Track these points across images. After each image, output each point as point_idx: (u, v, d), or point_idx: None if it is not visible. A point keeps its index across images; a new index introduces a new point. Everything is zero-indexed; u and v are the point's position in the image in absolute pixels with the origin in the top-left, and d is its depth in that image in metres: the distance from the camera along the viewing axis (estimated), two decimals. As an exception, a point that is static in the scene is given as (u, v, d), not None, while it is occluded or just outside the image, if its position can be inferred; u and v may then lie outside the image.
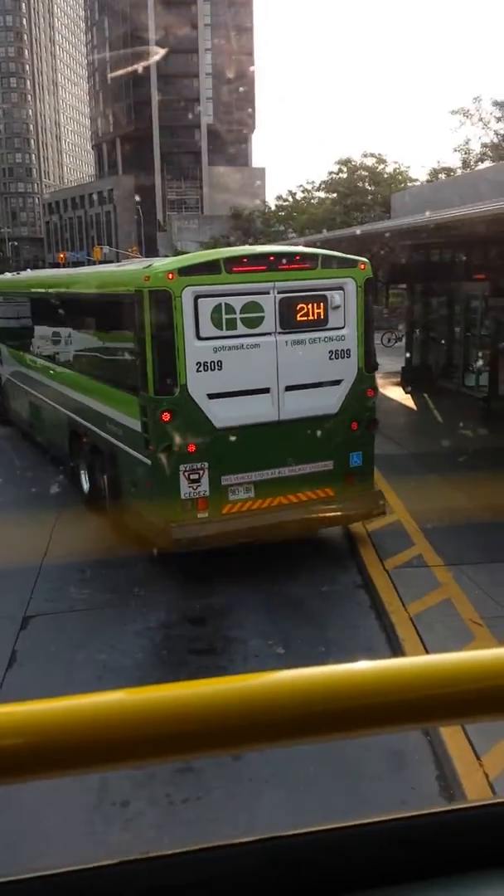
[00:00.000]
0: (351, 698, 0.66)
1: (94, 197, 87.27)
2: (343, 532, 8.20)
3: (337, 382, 7.40)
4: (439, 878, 0.79)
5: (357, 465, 7.53)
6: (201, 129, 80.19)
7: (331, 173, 42.33)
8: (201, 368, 6.68)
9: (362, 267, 7.45)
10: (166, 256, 41.10)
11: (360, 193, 39.39)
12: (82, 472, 9.24)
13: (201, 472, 6.78)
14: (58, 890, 0.75)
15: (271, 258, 7.21)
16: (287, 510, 7.17)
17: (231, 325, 6.78)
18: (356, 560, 7.59)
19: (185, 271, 6.59)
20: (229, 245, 44.87)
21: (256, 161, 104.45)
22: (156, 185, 79.08)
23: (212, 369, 6.72)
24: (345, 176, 41.47)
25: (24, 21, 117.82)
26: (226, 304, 6.73)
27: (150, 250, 61.11)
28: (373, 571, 7.20)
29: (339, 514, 7.52)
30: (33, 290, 11.80)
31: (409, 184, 39.15)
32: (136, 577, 7.16)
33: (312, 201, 45.92)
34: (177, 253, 49.48)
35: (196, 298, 6.58)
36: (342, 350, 7.37)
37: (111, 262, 52.20)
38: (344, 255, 7.68)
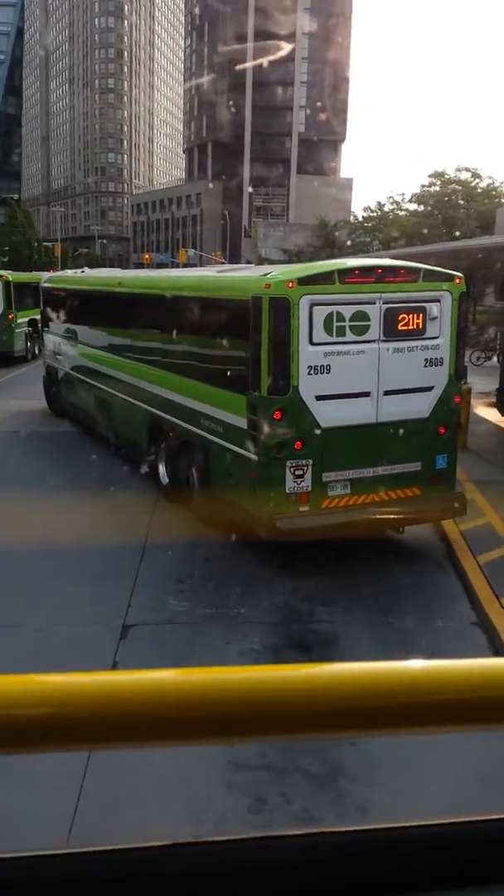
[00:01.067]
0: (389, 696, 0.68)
1: (182, 200, 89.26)
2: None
3: (429, 388, 7.85)
4: (444, 891, 0.79)
5: (442, 467, 7.97)
6: (292, 137, 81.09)
7: (423, 186, 42.24)
8: (312, 371, 7.21)
9: (458, 281, 7.91)
10: (249, 263, 41.79)
11: (452, 207, 39.23)
12: (161, 465, 9.84)
13: (306, 468, 7.31)
14: (52, 870, 0.76)
15: (379, 271, 7.71)
16: (378, 507, 7.64)
17: (341, 331, 7.30)
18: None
19: (303, 281, 7.14)
20: (313, 255, 45.31)
21: (344, 171, 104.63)
22: (243, 191, 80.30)
23: (321, 373, 7.25)
24: (437, 189, 41.31)
25: (126, 23, 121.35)
26: (337, 312, 7.25)
27: (234, 256, 62.15)
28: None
29: (424, 512, 7.97)
30: (118, 290, 12.19)
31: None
32: (236, 594, 7.05)
33: (400, 213, 45.93)
34: (260, 260, 50.23)
35: (311, 306, 7.12)
36: (436, 358, 7.82)
37: (194, 265, 53.37)
38: (442, 270, 8.13)
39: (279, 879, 0.78)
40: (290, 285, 7.08)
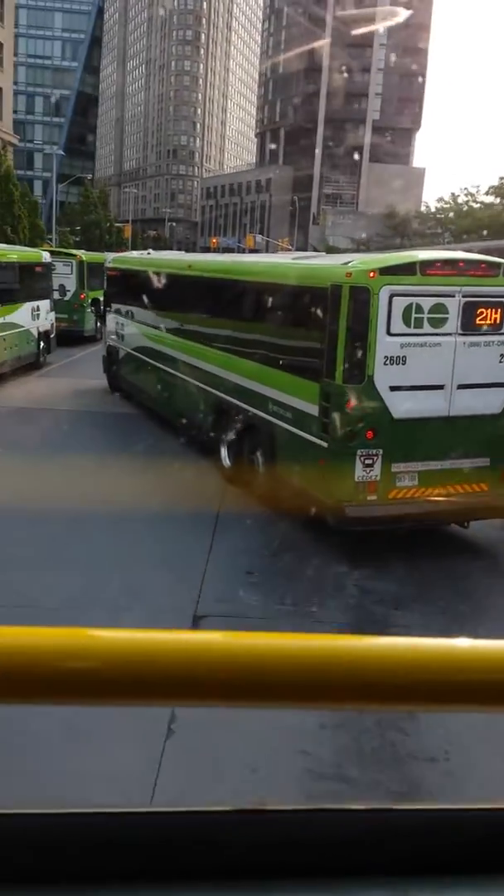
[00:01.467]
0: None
1: (252, 185, 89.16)
2: None
3: (502, 385, 7.82)
4: (436, 876, 0.81)
5: None
6: (366, 124, 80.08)
7: (501, 178, 41.24)
8: (388, 362, 7.25)
9: None
10: (317, 251, 41.47)
11: None
12: (223, 447, 10.02)
13: (375, 457, 7.37)
14: (53, 830, 0.78)
15: (461, 264, 7.68)
16: (445, 500, 7.66)
17: (419, 323, 7.31)
18: None
19: (385, 271, 7.17)
20: (382, 245, 44.81)
21: (417, 161, 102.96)
22: (314, 178, 79.77)
23: (397, 363, 7.28)
24: None
25: (205, 4, 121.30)
26: (416, 303, 7.26)
27: (301, 243, 61.87)
28: None
29: (491, 507, 7.93)
30: (188, 273, 12.21)
31: None
32: (309, 590, 7.04)
33: (475, 205, 44.98)
34: (328, 249, 49.90)
35: (391, 297, 7.15)
36: None
37: (258, 251, 53.35)
38: (526, 266, 8.03)
39: (272, 853, 0.80)
40: (372, 275, 7.12)
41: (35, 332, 18.10)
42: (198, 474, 10.09)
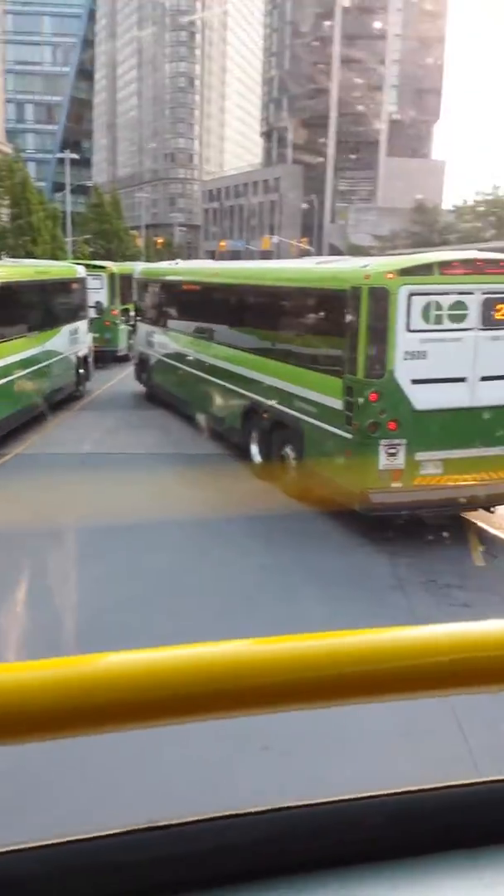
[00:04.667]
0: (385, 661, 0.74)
1: (258, 185, 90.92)
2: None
3: None
4: (443, 853, 0.87)
5: None
6: (382, 117, 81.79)
7: None
8: (408, 357, 8.37)
9: None
10: (335, 250, 41.77)
11: None
12: (253, 444, 11.30)
13: (399, 447, 8.48)
14: (61, 860, 0.81)
15: (479, 262, 8.84)
16: (469, 487, 8.74)
17: (438, 320, 8.44)
18: None
19: (403, 272, 8.32)
20: (410, 241, 45.24)
21: (436, 154, 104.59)
22: (326, 175, 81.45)
23: (417, 358, 8.40)
24: None
25: (198, 4, 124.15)
26: (436, 301, 8.39)
27: (318, 243, 63.10)
28: None
29: None
30: (216, 280, 14.00)
31: None
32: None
33: None
34: (350, 247, 50.80)
35: (410, 296, 8.27)
36: None
37: (271, 253, 54.54)
38: (543, 263, 9.17)
39: (281, 850, 0.86)
40: (390, 276, 8.27)
41: (74, 359, 17.07)
42: (227, 470, 11.35)
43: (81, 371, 17.60)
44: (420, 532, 8.83)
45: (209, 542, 8.79)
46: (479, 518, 9.48)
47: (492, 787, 0.95)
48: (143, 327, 17.98)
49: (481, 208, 47.15)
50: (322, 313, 9.82)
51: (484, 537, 9.00)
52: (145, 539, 8.58)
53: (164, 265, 19.21)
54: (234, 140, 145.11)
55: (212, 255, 56.69)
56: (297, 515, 9.43)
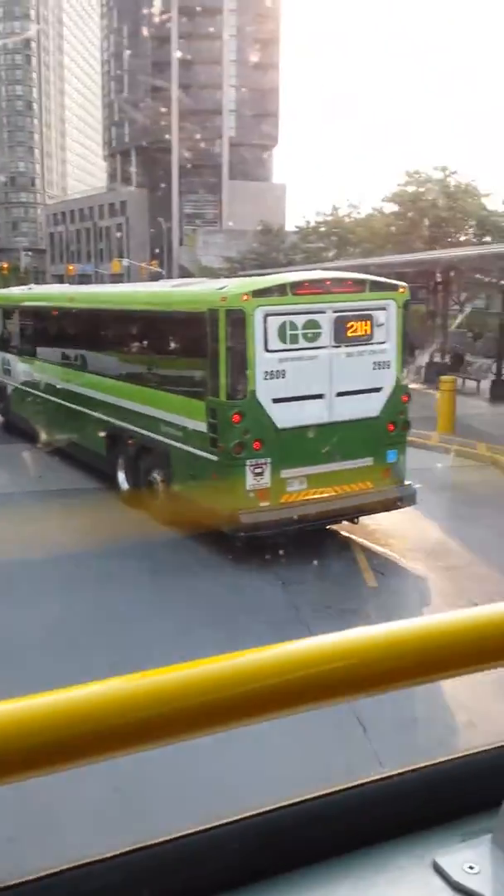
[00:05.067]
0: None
1: (105, 208, 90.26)
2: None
3: (379, 390, 9.22)
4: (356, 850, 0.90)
5: (392, 461, 9.34)
6: (223, 141, 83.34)
7: (399, 185, 42.60)
8: (268, 377, 8.46)
9: (402, 290, 9.36)
10: (186, 272, 42.28)
11: (439, 208, 40.24)
12: (120, 472, 11.08)
13: (264, 466, 8.53)
14: (53, 891, 0.81)
15: (328, 282, 9.11)
16: (334, 500, 8.93)
17: (294, 339, 8.58)
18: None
19: (257, 293, 8.42)
20: (259, 263, 46.38)
21: (276, 177, 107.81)
22: (172, 198, 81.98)
23: (277, 377, 8.51)
24: (412, 190, 41.90)
25: (33, 27, 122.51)
26: (290, 321, 8.54)
27: (168, 265, 63.28)
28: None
29: (377, 503, 9.25)
30: (72, 305, 13.67)
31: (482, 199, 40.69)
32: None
33: (356, 216, 47.27)
34: (201, 269, 51.29)
35: (266, 317, 8.38)
36: (384, 362, 9.20)
37: (122, 276, 54.24)
38: (387, 280, 9.59)
39: (277, 850, 0.90)
40: (245, 298, 8.34)
41: None
42: (91, 500, 11.00)
43: None
44: (306, 554, 8.84)
45: (83, 580, 8.37)
46: (355, 533, 9.62)
47: (388, 783, 0.97)
48: None
49: (322, 229, 49.00)
50: (181, 336, 9.77)
51: (368, 555, 9.09)
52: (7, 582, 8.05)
53: (16, 290, 18.51)
54: (76, 163, 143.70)
55: (60, 280, 55.44)
56: (174, 543, 9.26)
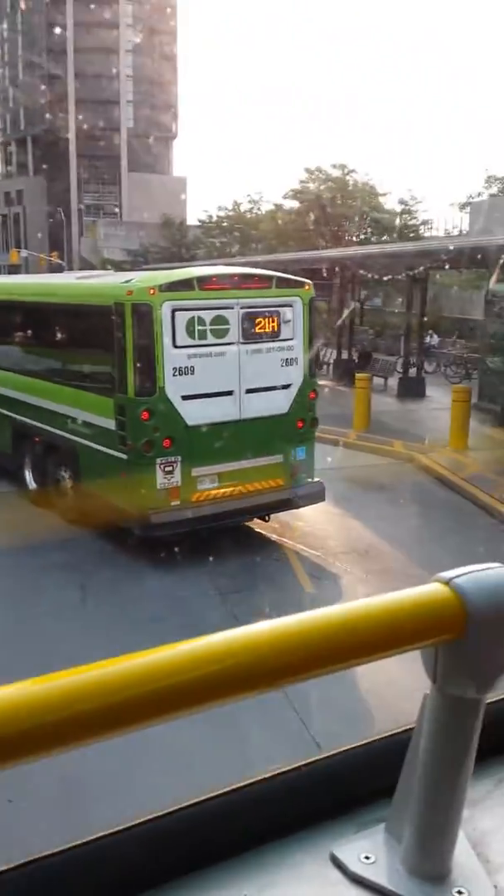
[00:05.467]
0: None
1: (0, 197, 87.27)
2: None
3: (287, 386, 9.17)
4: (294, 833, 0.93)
5: (302, 458, 9.32)
6: (121, 132, 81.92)
7: (301, 182, 42.78)
8: (177, 373, 8.27)
9: (307, 287, 9.33)
10: (94, 268, 41.55)
11: (338, 206, 40.59)
12: (27, 471, 10.67)
13: (175, 464, 8.34)
14: (44, 874, 0.82)
15: (235, 277, 8.99)
16: (245, 498, 8.83)
17: (202, 335, 8.42)
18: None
19: (164, 287, 8.20)
20: (162, 257, 45.79)
21: (177, 170, 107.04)
22: (71, 189, 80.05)
23: (185, 374, 8.32)
24: (313, 186, 41.95)
25: None
26: (198, 316, 8.37)
27: (68, 257, 61.77)
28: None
29: (286, 500, 9.19)
30: None
31: (379, 198, 41.36)
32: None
33: (257, 212, 47.30)
34: (103, 262, 50.21)
35: (173, 311, 8.19)
36: (291, 358, 9.15)
37: (19, 267, 52.57)
38: (293, 277, 9.56)
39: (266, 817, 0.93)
40: (152, 292, 8.11)
41: None
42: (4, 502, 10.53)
43: None
44: (237, 558, 8.67)
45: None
46: (285, 535, 9.49)
47: (286, 777, 0.97)
48: None
49: (225, 224, 48.74)
50: (88, 330, 9.43)
51: (302, 558, 8.93)
52: None
53: None
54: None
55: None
56: (85, 545, 8.94)
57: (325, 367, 22.55)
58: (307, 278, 9.68)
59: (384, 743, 1.02)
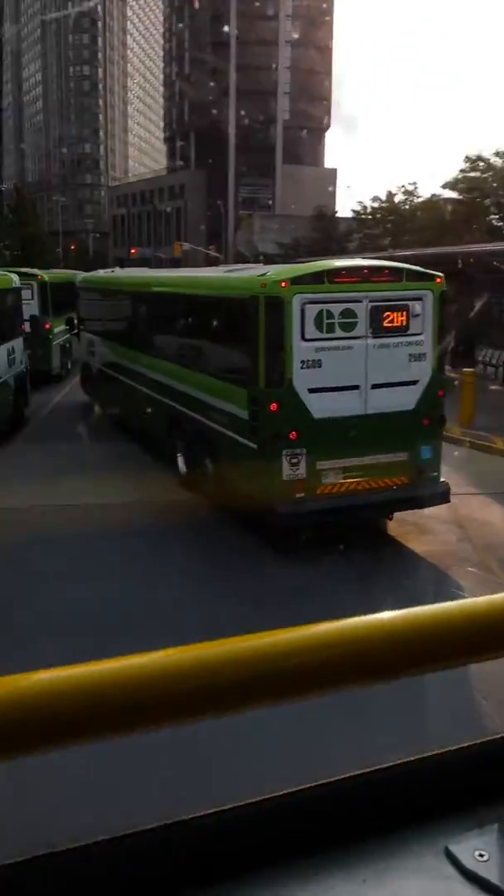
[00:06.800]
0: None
1: (165, 191, 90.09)
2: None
3: (414, 382, 8.81)
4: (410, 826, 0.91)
5: (427, 458, 8.91)
6: (277, 124, 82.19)
7: (462, 171, 40.62)
8: (305, 366, 8.17)
9: (438, 280, 8.89)
10: (248, 262, 42.08)
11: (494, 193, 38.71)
12: (179, 455, 10.93)
13: (300, 456, 8.27)
14: (48, 871, 0.81)
15: (365, 271, 8.74)
16: (369, 494, 8.61)
17: (330, 328, 8.26)
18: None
19: (295, 280, 8.12)
20: (311, 248, 45.46)
21: (327, 161, 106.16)
22: (229, 182, 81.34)
23: (313, 367, 8.21)
24: (476, 175, 39.87)
25: (99, 8, 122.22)
26: (327, 310, 8.22)
27: (225, 248, 62.86)
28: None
29: (410, 500, 8.87)
30: (139, 288, 13.68)
31: None
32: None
33: (411, 202, 45.98)
34: (257, 254, 50.74)
35: (303, 304, 8.09)
36: (420, 354, 8.78)
37: (180, 260, 54.02)
38: (424, 270, 9.13)
39: (282, 837, 0.89)
40: (284, 285, 8.05)
41: (12, 383, 14.31)
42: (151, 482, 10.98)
43: (21, 396, 14.96)
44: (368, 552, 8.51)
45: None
46: (417, 543, 9.13)
47: (400, 771, 0.97)
48: (85, 337, 17.43)
49: (378, 215, 47.59)
50: (227, 322, 9.54)
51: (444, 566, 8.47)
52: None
53: (102, 273, 18.53)
54: (137, 146, 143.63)
55: (121, 263, 55.36)
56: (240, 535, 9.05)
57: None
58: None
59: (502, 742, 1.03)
